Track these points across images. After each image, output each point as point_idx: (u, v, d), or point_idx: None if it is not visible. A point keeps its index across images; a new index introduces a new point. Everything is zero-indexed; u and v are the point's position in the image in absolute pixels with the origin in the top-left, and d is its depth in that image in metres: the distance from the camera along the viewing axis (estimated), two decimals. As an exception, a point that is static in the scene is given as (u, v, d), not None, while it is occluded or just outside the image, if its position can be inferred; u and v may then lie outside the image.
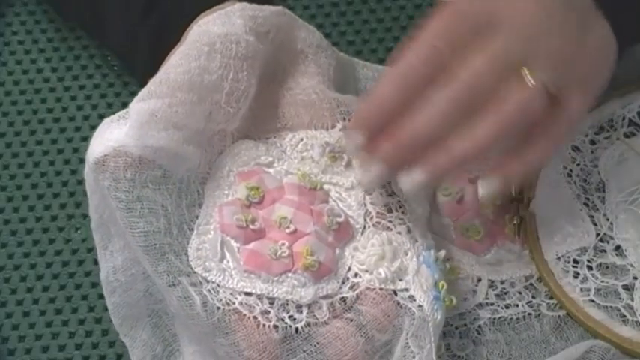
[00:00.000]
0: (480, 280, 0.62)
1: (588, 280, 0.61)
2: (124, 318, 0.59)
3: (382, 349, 0.56)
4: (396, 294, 0.57)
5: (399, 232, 0.58)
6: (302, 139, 0.61)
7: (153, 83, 0.57)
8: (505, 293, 0.62)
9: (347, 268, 0.58)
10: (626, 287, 0.61)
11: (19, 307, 0.65)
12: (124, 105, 0.72)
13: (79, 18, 0.74)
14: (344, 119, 0.62)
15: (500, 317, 0.61)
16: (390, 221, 0.59)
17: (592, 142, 0.66)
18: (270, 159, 0.61)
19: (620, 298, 0.61)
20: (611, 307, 0.61)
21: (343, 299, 0.57)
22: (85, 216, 0.68)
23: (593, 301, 0.61)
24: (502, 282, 0.62)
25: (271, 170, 0.60)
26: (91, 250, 0.67)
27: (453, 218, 0.64)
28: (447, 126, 0.55)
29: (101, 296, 0.65)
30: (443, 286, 0.57)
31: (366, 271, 0.57)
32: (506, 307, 0.61)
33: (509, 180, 0.57)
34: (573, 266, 0.62)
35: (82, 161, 0.70)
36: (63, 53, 0.75)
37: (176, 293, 0.55)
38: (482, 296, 0.61)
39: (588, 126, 0.66)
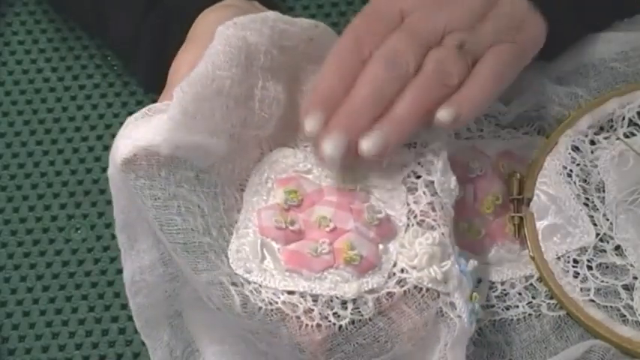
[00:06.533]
0: (480, 281, 0.62)
1: (588, 280, 0.61)
2: (146, 320, 0.59)
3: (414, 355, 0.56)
4: (439, 296, 0.56)
5: (443, 233, 0.57)
6: None
7: (200, 82, 0.56)
8: (505, 295, 0.62)
9: (392, 263, 0.57)
10: (626, 287, 0.61)
11: (19, 307, 0.65)
12: (124, 105, 0.73)
13: (79, 15, 0.74)
14: None
15: (500, 319, 0.61)
16: (434, 220, 0.58)
17: (592, 142, 0.65)
18: (309, 166, 0.60)
19: (620, 298, 0.61)
20: (611, 307, 0.61)
21: (390, 294, 0.56)
22: (85, 216, 0.68)
23: (593, 301, 0.61)
24: (502, 283, 0.62)
25: (310, 176, 0.60)
26: (91, 250, 0.67)
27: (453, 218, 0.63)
28: (379, 98, 0.58)
29: (101, 296, 0.65)
30: (475, 298, 0.57)
31: (414, 268, 0.56)
32: (507, 308, 0.61)
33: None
34: (573, 266, 0.62)
35: (82, 161, 0.70)
36: (63, 53, 0.75)
37: (216, 292, 0.54)
38: (483, 298, 0.61)
39: (588, 126, 0.66)
